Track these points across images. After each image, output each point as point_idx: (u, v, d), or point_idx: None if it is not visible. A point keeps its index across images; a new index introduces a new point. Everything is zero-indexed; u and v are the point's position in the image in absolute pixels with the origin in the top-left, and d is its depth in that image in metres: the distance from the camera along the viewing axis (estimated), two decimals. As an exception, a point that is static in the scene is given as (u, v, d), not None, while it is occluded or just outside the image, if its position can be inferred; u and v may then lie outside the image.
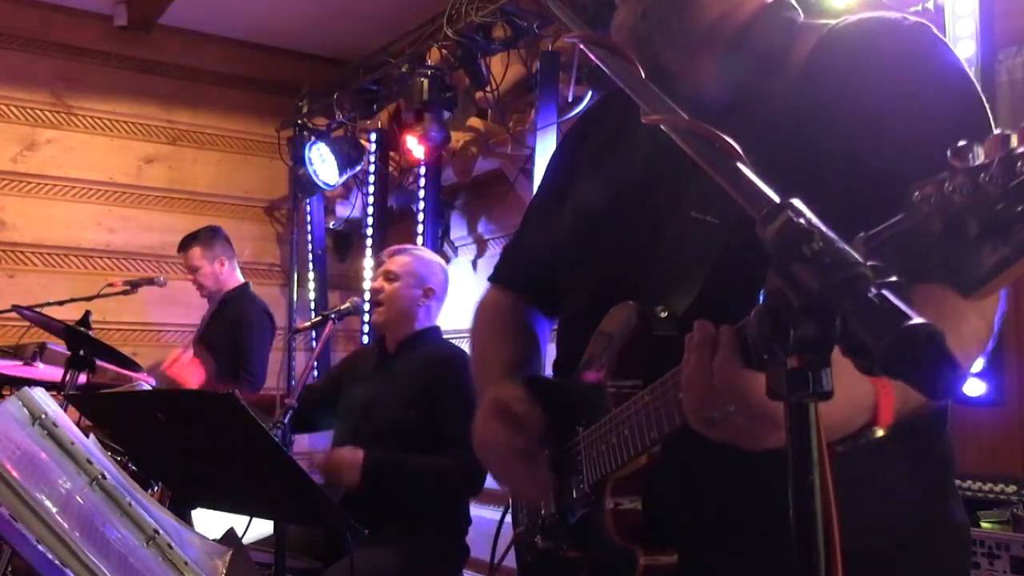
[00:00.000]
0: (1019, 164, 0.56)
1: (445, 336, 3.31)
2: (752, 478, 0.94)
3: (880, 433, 0.80)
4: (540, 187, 1.56)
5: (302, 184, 5.41)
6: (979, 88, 1.06)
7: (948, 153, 0.60)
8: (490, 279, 1.57)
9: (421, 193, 4.79)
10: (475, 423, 1.30)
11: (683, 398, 0.90)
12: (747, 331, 0.83)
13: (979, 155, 0.58)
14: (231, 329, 4.46)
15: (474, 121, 4.37)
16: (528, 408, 1.22)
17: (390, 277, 3.20)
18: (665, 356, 0.96)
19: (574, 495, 1.18)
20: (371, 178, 5.17)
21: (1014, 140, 0.57)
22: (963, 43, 2.49)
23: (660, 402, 0.98)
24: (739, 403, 0.83)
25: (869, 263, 0.59)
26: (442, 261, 3.46)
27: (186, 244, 4.61)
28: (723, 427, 0.86)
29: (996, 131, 0.58)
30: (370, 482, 2.80)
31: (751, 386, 0.82)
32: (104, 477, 1.34)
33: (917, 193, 0.61)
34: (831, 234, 0.61)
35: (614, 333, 1.14)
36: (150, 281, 4.39)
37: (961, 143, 0.59)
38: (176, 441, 1.85)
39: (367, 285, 5.09)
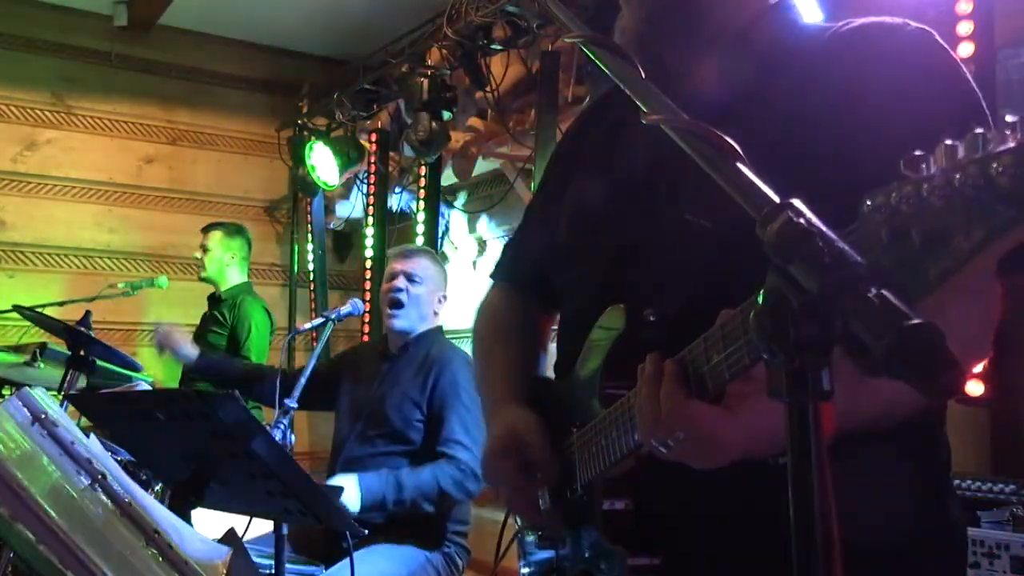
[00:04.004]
0: (958, 176, 0.56)
1: (447, 336, 3.31)
2: (739, 483, 0.95)
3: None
4: (540, 185, 1.56)
5: (302, 184, 5.41)
6: (980, 94, 1.06)
7: (901, 164, 0.60)
8: (491, 275, 1.57)
9: (421, 193, 4.80)
10: (485, 452, 1.30)
11: (637, 425, 0.96)
12: (686, 363, 0.89)
13: (932, 165, 0.59)
14: (230, 327, 4.46)
15: (474, 121, 4.37)
16: (540, 450, 1.23)
17: (414, 279, 3.15)
18: None
19: (568, 496, 1.19)
20: (371, 178, 5.17)
21: (961, 151, 0.57)
22: (963, 43, 2.49)
23: (631, 414, 1.00)
24: (686, 430, 0.89)
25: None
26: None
27: (211, 226, 4.65)
28: (674, 450, 0.92)
29: (946, 142, 0.58)
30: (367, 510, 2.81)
31: (696, 414, 0.88)
32: (105, 477, 1.34)
33: (869, 203, 0.61)
34: (831, 234, 0.61)
35: (606, 335, 1.15)
36: (150, 281, 4.39)
37: (917, 153, 0.60)
38: (176, 441, 1.85)
39: (367, 285, 5.10)
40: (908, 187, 0.59)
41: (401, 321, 3.13)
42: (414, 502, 2.84)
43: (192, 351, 3.61)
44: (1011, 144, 0.54)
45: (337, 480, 2.84)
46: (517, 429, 1.26)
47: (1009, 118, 0.55)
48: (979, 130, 0.57)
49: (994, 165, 0.54)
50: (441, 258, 3.69)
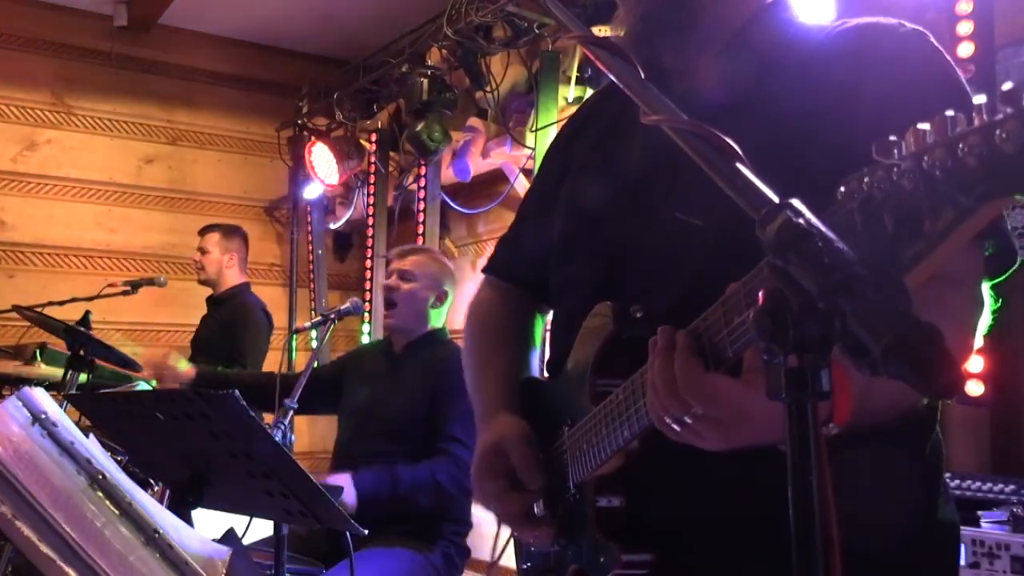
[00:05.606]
0: (926, 159, 0.56)
1: (449, 335, 3.31)
2: (732, 480, 0.94)
3: (835, 431, 0.80)
4: (535, 181, 1.56)
5: (302, 184, 5.41)
6: (971, 95, 1.06)
7: (873, 148, 0.60)
8: (484, 270, 1.56)
9: (421, 193, 4.80)
10: (474, 468, 1.30)
11: (648, 401, 0.91)
12: (699, 333, 0.85)
13: (904, 149, 0.59)
14: (228, 327, 4.46)
15: (474, 121, 4.37)
16: (525, 461, 1.22)
17: (406, 277, 3.15)
18: (642, 356, 0.96)
19: (561, 501, 1.19)
20: (371, 178, 5.18)
21: (930, 135, 0.57)
22: (963, 43, 2.48)
23: (630, 401, 0.99)
24: (708, 405, 0.84)
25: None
26: (450, 263, 3.44)
27: (209, 228, 4.66)
28: (690, 428, 0.87)
29: (916, 126, 0.58)
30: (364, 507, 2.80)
31: (718, 387, 0.83)
32: (104, 477, 1.34)
33: (843, 188, 0.61)
34: (830, 234, 0.61)
35: (595, 333, 1.15)
36: (150, 281, 4.39)
37: (889, 138, 0.60)
38: (176, 441, 1.85)
39: (367, 285, 5.10)
40: (880, 171, 0.59)
41: (392, 320, 3.15)
42: (410, 497, 2.83)
43: (188, 374, 3.53)
44: (977, 125, 0.54)
45: (330, 480, 2.84)
46: (499, 441, 1.26)
47: (976, 100, 0.56)
48: (949, 113, 0.57)
49: (960, 146, 0.55)
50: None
